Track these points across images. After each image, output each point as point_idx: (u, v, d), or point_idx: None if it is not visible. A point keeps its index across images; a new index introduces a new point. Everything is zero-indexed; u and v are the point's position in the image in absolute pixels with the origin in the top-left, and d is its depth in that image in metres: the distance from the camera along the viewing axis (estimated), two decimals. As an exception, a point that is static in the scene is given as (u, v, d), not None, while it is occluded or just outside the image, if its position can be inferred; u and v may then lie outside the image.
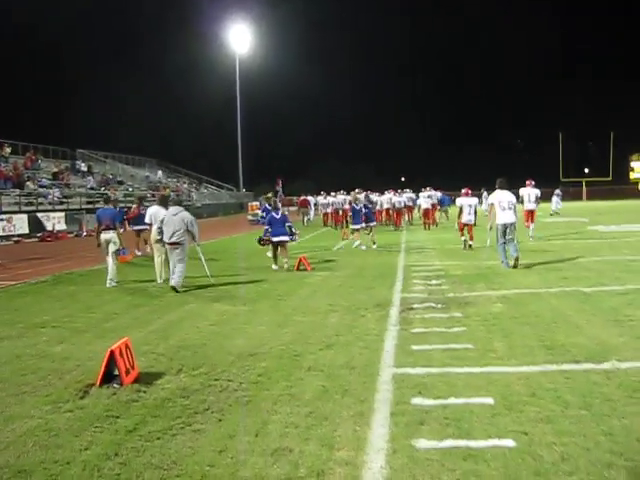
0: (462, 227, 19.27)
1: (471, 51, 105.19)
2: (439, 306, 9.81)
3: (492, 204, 14.19)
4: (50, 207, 36.79)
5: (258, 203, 44.01)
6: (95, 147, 57.11)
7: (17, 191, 35.92)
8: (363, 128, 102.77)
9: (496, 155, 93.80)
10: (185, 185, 62.64)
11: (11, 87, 70.74)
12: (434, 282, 12.30)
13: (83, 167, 49.18)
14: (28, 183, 37.56)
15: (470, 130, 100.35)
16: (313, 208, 42.91)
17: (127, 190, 47.34)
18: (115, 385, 6.14)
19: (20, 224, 32.35)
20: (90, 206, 40.16)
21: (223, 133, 74.78)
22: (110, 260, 13.20)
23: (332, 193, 36.98)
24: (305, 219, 40.61)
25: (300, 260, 15.06)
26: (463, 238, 18.88)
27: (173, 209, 12.39)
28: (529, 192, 21.06)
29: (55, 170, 43.15)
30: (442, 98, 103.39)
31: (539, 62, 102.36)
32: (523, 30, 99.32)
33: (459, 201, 19.40)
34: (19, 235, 31.46)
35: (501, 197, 14.05)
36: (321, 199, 39.52)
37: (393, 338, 7.85)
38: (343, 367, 6.63)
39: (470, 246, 18.39)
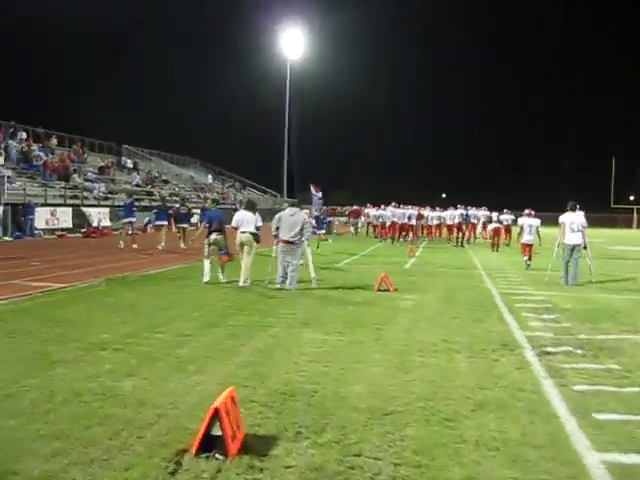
0: (525, 248, 18.89)
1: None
2: (580, 352, 8.05)
3: (563, 223, 14.88)
4: (95, 202, 35.46)
5: (308, 211, 42.38)
6: (141, 144, 56.06)
7: (62, 184, 34.65)
8: (409, 142, 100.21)
9: (544, 175, 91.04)
10: (232, 189, 61.13)
11: (60, 76, 70.25)
12: (547, 317, 10.55)
13: (129, 163, 48.15)
14: (74, 176, 36.42)
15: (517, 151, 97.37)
16: (362, 219, 41.50)
17: (173, 190, 45.96)
18: (218, 456, 4.38)
19: (64, 218, 31.20)
20: (136, 203, 38.80)
21: (270, 139, 73.35)
22: (207, 262, 13.49)
23: (393, 204, 34.90)
24: (355, 229, 39.65)
25: (382, 279, 13.22)
26: (525, 258, 18.69)
27: (290, 210, 13.03)
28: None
29: (102, 164, 41.98)
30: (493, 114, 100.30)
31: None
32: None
33: (521, 221, 19.47)
34: (62, 229, 30.13)
35: (572, 219, 14.73)
36: (373, 211, 37.88)
37: (558, 399, 6.01)
38: (524, 445, 4.82)
39: (529, 266, 18.32)
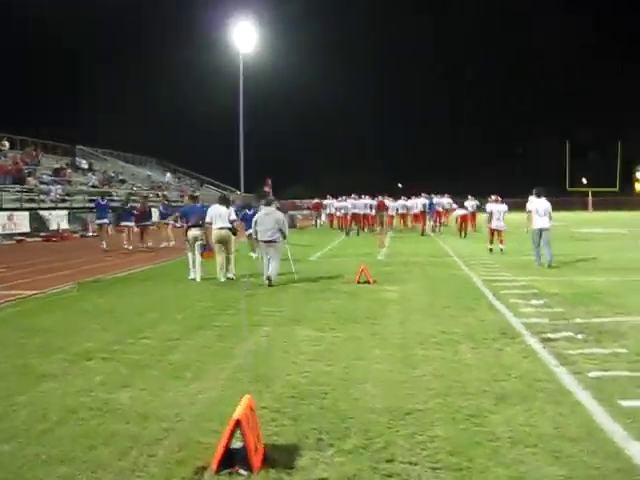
0: (492, 232, 19.33)
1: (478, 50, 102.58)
2: (581, 337, 7.88)
3: (530, 210, 15.70)
4: (52, 205, 34.44)
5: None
6: (94, 144, 54.82)
7: (17, 187, 33.56)
8: (360, 132, 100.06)
9: (496, 161, 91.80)
10: (190, 187, 60.22)
11: (10, 80, 68.28)
12: (537, 302, 10.37)
13: (84, 164, 47.05)
14: (29, 179, 35.36)
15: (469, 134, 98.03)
16: (324, 212, 41.32)
17: (131, 189, 44.95)
18: (242, 471, 4.02)
19: (21, 222, 30.20)
20: (93, 205, 37.89)
21: (224, 134, 72.38)
22: (197, 257, 13.46)
23: (353, 196, 34.70)
24: (318, 222, 39.42)
25: (362, 271, 12.95)
26: (490, 247, 19.30)
27: (266, 209, 12.96)
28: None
29: (56, 166, 40.85)
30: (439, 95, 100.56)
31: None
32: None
33: (489, 207, 19.76)
34: (20, 234, 29.15)
35: (538, 205, 15.38)
36: (335, 202, 37.62)
37: (578, 387, 5.79)
38: (560, 439, 4.58)
39: (501, 250, 18.89)
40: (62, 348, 7.45)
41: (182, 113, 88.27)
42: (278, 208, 13.59)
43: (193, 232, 13.54)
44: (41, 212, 32.16)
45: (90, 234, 30.77)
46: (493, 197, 20.38)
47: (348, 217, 32.72)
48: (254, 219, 13.36)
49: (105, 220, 23.19)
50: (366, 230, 32.43)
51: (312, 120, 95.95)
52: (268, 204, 13.09)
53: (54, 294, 11.95)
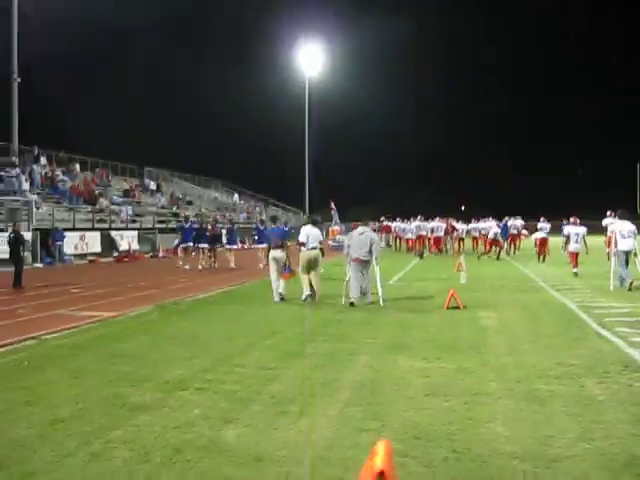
0: (574, 256, 19.10)
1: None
2: None
3: (613, 231, 15.66)
4: (122, 225, 34.73)
5: (338, 228, 41.68)
6: (160, 166, 55.43)
7: (89, 207, 33.99)
8: (429, 154, 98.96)
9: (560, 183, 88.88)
10: (257, 209, 60.29)
11: (78, 100, 70.06)
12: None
13: (152, 185, 47.37)
14: (101, 200, 35.67)
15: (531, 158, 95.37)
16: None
17: (199, 210, 45.15)
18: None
19: (92, 242, 30.45)
20: (162, 225, 38.18)
21: (289, 157, 72.58)
22: (276, 277, 13.44)
23: (419, 217, 34.04)
24: (386, 244, 38.72)
25: (452, 296, 12.24)
26: (575, 270, 18.84)
27: (360, 229, 13.16)
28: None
29: (127, 187, 41.32)
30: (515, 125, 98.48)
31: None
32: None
33: (567, 230, 19.95)
34: (92, 254, 29.37)
35: (622, 226, 15.35)
36: (404, 224, 36.91)
37: None
38: None
39: (576, 274, 18.61)
40: (152, 376, 7.01)
41: (245, 135, 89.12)
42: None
43: (275, 253, 13.49)
44: (112, 232, 32.36)
45: (160, 255, 30.74)
46: (572, 219, 20.65)
47: (419, 239, 32.00)
48: (347, 236, 13.87)
49: (190, 243, 23.84)
50: (432, 253, 31.54)
51: (377, 141, 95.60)
52: (365, 224, 13.58)
53: (135, 317, 11.64)
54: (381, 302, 12.67)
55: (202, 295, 14.67)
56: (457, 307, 12.12)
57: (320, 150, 70.13)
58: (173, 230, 37.71)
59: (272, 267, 13.48)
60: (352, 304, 12.41)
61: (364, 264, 12.75)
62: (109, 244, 31.65)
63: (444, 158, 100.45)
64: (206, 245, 23.56)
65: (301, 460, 4.53)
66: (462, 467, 4.39)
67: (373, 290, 12.95)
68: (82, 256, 28.83)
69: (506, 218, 32.64)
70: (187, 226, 24.54)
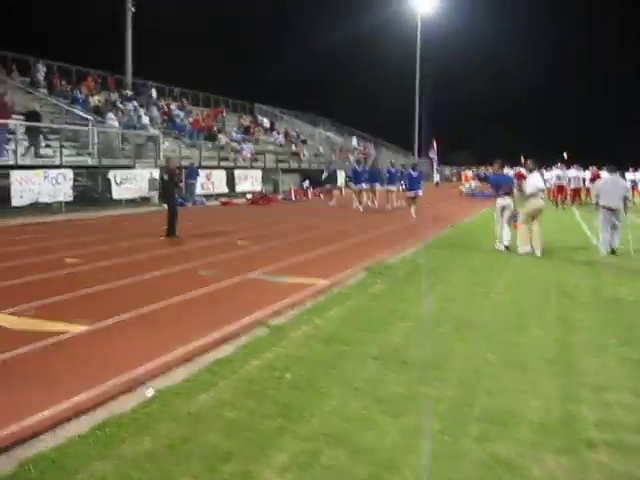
0: None
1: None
2: None
3: None
4: (246, 164, 32.14)
5: (471, 172, 38.05)
6: (268, 103, 52.31)
7: (210, 145, 31.46)
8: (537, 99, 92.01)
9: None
10: (373, 150, 56.75)
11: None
12: None
13: (266, 123, 44.49)
14: (220, 136, 33.06)
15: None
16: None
17: (317, 150, 42.16)
18: None
19: (219, 182, 27.86)
20: (285, 165, 35.42)
21: (398, 97, 68.30)
22: (505, 226, 12.68)
23: (559, 165, 30.12)
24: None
25: None
26: None
27: (613, 177, 12.93)
28: None
29: (246, 124, 38.60)
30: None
31: None
32: None
33: None
34: (219, 194, 26.90)
35: None
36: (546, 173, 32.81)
37: None
38: None
39: None
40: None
41: (354, 74, 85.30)
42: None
43: (504, 201, 12.70)
44: (236, 172, 29.81)
45: (292, 198, 27.97)
46: None
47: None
48: (595, 184, 13.83)
49: (363, 185, 24.10)
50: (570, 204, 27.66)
51: (483, 86, 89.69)
52: (612, 171, 13.14)
53: (357, 286, 8.80)
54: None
55: (405, 252, 11.80)
56: None
57: (423, 89, 65.79)
58: (295, 170, 35.00)
59: (499, 215, 12.73)
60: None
61: (616, 212, 12.44)
62: (233, 184, 29.12)
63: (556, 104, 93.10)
64: (365, 185, 23.92)
65: None
66: None
67: None
68: (208, 197, 26.33)
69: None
70: (360, 169, 24.54)
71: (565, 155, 66.38)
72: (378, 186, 24.56)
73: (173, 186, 13.92)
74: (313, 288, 8.49)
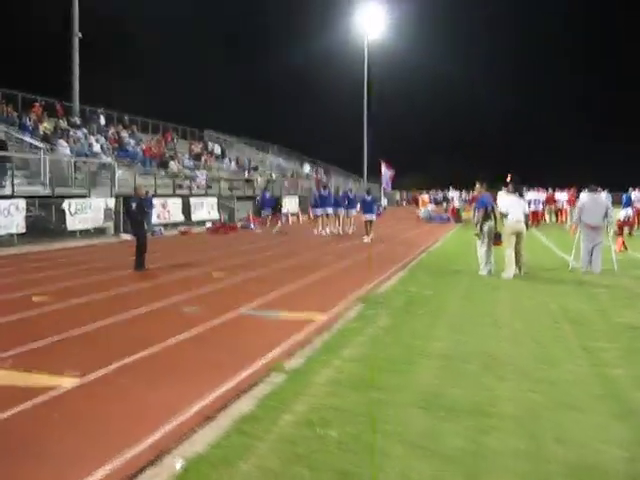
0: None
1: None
2: None
3: None
4: (201, 192, 31.32)
5: (427, 195, 37.90)
6: (218, 129, 51.60)
7: (163, 172, 30.58)
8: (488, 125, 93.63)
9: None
10: (324, 176, 56.36)
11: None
12: None
13: (217, 149, 43.74)
14: (172, 163, 32.18)
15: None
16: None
17: (270, 177, 41.58)
18: None
19: (175, 210, 26.96)
20: (240, 193, 34.72)
21: (346, 121, 68.47)
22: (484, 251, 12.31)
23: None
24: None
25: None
26: None
27: (594, 196, 12.97)
28: None
29: (197, 151, 37.79)
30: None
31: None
32: None
33: None
34: (175, 223, 26.02)
35: None
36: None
37: None
38: None
39: None
40: None
41: (300, 98, 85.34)
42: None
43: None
44: (192, 200, 28.96)
45: (251, 226, 27.20)
46: None
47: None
48: (578, 203, 13.62)
49: (329, 209, 24.51)
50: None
51: (433, 108, 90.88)
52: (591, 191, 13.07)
53: (359, 318, 8.12)
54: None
55: (391, 279, 11.29)
56: None
57: (376, 115, 66.09)
58: (249, 198, 34.32)
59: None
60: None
61: (598, 230, 12.55)
62: (188, 213, 28.28)
63: (500, 126, 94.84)
64: (330, 210, 24.30)
65: None
66: None
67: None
68: (165, 226, 25.39)
69: (630, 189, 28.10)
70: (325, 194, 24.87)
71: (509, 177, 67.39)
72: (343, 211, 24.54)
73: (143, 215, 13.09)
74: (314, 324, 7.84)
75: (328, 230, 24.11)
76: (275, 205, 29.14)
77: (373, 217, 21.71)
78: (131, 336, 7.22)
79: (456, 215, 33.76)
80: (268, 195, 28.86)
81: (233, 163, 41.11)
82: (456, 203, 37.86)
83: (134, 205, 12.93)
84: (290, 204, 35.26)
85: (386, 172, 48.01)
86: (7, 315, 8.31)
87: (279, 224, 26.84)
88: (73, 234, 20.84)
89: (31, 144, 23.65)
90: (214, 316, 8.28)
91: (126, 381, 5.53)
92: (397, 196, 72.12)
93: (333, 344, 6.81)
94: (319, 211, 24.44)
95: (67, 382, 5.44)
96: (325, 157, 65.88)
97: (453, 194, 46.07)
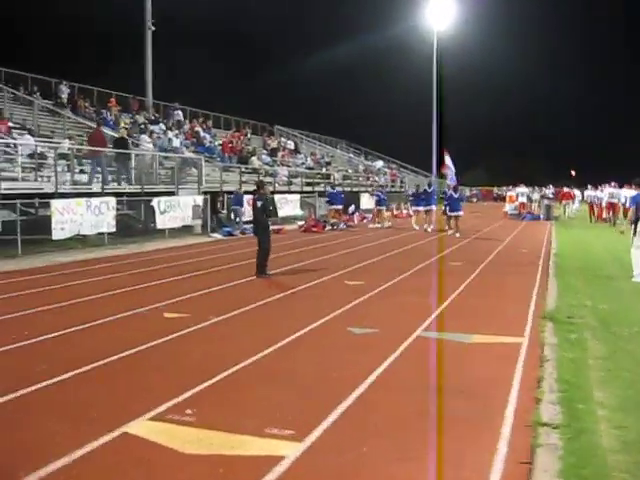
0: None
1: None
2: None
3: None
4: (284, 188, 30.08)
5: (515, 194, 35.85)
6: (286, 125, 50.31)
7: (244, 168, 29.40)
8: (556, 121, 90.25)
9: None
10: (397, 172, 54.65)
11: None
12: None
13: (290, 145, 42.49)
14: (253, 159, 30.98)
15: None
16: (577, 201, 37.65)
17: (346, 172, 40.17)
18: None
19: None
20: (319, 188, 33.37)
21: (414, 117, 66.35)
22: None
23: (613, 184, 29.95)
24: (567, 212, 35.32)
25: None
26: None
27: None
28: None
29: (274, 146, 36.61)
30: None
31: None
32: None
33: None
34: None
35: None
36: (593, 192, 33.29)
37: None
38: None
39: None
40: None
41: (367, 94, 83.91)
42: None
43: None
44: (276, 196, 27.71)
45: (342, 226, 25.81)
46: None
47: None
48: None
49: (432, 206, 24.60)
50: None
51: (500, 105, 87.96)
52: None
53: (566, 348, 6.56)
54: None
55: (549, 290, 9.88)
56: None
57: (448, 110, 63.74)
58: (321, 194, 32.97)
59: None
60: None
61: None
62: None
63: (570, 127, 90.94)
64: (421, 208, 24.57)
65: None
66: None
67: None
68: (248, 223, 24.13)
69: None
70: (430, 190, 25.13)
71: (573, 173, 64.74)
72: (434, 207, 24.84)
73: (267, 215, 11.83)
74: (522, 353, 6.36)
75: (428, 227, 24.03)
76: (345, 201, 28.12)
77: (460, 213, 22.67)
78: (325, 374, 5.86)
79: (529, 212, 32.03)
80: (336, 190, 28.26)
81: (309, 159, 39.76)
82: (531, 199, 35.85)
83: (259, 204, 11.67)
84: (367, 201, 33.90)
85: (451, 165, 45.92)
86: (148, 340, 6.96)
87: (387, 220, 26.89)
88: (162, 233, 19.79)
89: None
90: (392, 339, 6.88)
91: (370, 439, 4.15)
92: (467, 192, 69.74)
93: (573, 384, 5.34)
94: (420, 207, 24.73)
95: (286, 449, 4.08)
96: (390, 152, 64.22)
97: (522, 190, 44.01)
